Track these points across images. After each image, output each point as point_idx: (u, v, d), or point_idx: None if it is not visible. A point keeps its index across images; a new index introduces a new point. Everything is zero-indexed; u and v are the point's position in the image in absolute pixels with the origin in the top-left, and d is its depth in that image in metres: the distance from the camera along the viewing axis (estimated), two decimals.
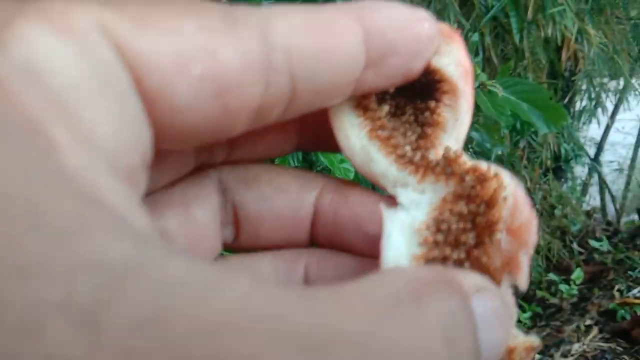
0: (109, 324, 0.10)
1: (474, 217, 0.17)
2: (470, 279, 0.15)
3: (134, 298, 0.10)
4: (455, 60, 0.19)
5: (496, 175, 0.17)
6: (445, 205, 0.17)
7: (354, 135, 0.18)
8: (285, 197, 0.19)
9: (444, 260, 0.17)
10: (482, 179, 0.17)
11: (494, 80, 1.38)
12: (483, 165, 0.18)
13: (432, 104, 0.19)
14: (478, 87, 1.36)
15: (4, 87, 0.11)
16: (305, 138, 0.21)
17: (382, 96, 0.19)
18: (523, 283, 0.17)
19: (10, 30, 0.12)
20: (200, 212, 0.18)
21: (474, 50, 1.37)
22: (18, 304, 0.09)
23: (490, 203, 0.17)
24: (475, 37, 1.40)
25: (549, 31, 1.71)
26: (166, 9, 0.14)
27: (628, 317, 2.06)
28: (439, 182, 0.18)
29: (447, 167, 0.18)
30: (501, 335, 0.15)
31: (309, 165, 1.37)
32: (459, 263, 0.17)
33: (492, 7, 1.59)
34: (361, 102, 0.19)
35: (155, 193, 0.18)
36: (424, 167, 0.18)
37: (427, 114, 0.19)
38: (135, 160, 0.14)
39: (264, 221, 0.19)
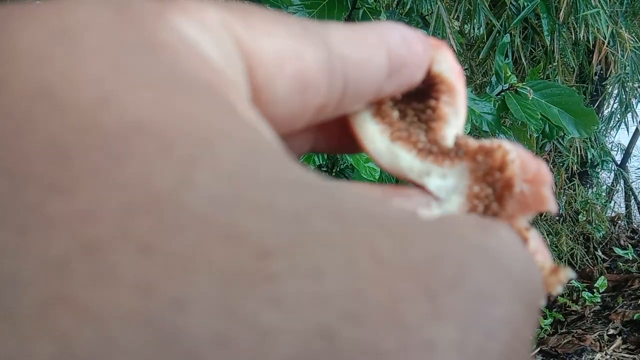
0: (349, 214, 0.12)
1: (494, 186, 0.20)
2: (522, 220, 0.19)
3: (352, 203, 0.12)
4: (449, 66, 0.22)
5: (499, 145, 0.20)
6: (470, 188, 0.21)
7: (378, 140, 0.22)
8: None
9: None
10: (489, 151, 0.21)
11: (524, 83, 1.35)
12: (487, 142, 0.21)
13: (433, 102, 0.22)
14: (508, 88, 1.34)
15: (181, 53, 0.14)
16: (319, 139, 0.23)
17: (390, 104, 0.22)
18: (553, 208, 0.20)
19: (162, 18, 0.14)
20: None
21: (504, 52, 1.34)
22: (283, 204, 0.11)
23: (502, 168, 0.20)
24: (506, 38, 1.37)
25: (581, 34, 1.68)
26: (260, 15, 0.17)
27: None
28: (456, 165, 0.21)
29: (459, 150, 0.21)
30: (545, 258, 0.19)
31: (332, 163, 1.36)
32: None
33: (524, 7, 1.56)
34: (378, 111, 0.22)
35: None
36: (442, 154, 0.21)
37: (429, 111, 0.22)
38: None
39: None
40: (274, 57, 0.16)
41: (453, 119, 0.22)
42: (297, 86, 0.17)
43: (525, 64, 1.87)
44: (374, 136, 0.22)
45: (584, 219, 2.67)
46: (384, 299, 0.11)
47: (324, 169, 1.34)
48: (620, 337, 2.05)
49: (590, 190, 2.78)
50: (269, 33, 0.16)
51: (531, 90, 1.31)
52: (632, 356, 1.94)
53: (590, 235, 2.69)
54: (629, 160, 2.93)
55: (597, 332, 2.10)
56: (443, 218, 0.14)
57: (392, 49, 0.19)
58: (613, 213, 3.01)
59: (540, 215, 2.44)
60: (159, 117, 0.12)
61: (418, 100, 0.22)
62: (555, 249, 2.47)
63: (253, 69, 0.16)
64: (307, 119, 0.18)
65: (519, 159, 0.20)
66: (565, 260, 2.50)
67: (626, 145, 2.87)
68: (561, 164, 2.40)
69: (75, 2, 0.14)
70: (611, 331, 2.10)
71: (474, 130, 1.28)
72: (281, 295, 0.10)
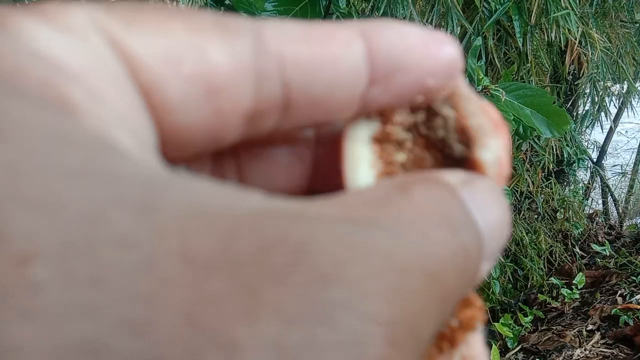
0: (165, 209, 0.10)
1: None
2: (454, 174, 0.15)
3: (178, 197, 0.11)
4: (495, 159, 0.18)
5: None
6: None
7: (362, 172, 0.18)
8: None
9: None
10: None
11: (497, 85, 1.37)
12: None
13: (457, 149, 0.19)
14: (481, 91, 1.35)
15: (9, 61, 0.12)
16: (317, 176, 0.20)
17: (400, 121, 0.18)
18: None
19: (7, 23, 0.12)
20: None
21: (476, 55, 1.36)
22: (76, 200, 0.10)
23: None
24: (479, 41, 1.39)
25: (553, 35, 1.70)
26: (154, 12, 0.14)
27: (631, 323, 2.05)
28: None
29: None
30: (499, 214, 0.16)
31: None
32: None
33: (496, 10, 1.58)
34: (382, 132, 0.18)
35: None
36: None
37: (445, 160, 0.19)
38: (146, 137, 0.14)
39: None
40: (163, 56, 0.14)
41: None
42: (199, 88, 0.14)
43: (499, 65, 1.90)
44: (360, 164, 0.17)
45: (562, 216, 2.70)
46: (182, 302, 0.10)
47: None
48: (599, 332, 2.09)
49: (567, 188, 2.83)
50: (156, 30, 0.14)
51: (504, 92, 1.33)
52: (610, 350, 1.98)
53: (568, 233, 2.73)
54: (604, 158, 2.98)
55: (577, 328, 2.13)
56: (324, 201, 0.13)
57: (376, 49, 0.16)
58: (590, 210, 3.06)
59: (518, 213, 2.47)
60: None
61: (445, 161, 0.18)
62: (535, 247, 2.51)
63: (136, 71, 0.14)
64: (236, 129, 0.15)
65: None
66: (544, 258, 2.54)
67: (601, 143, 2.92)
68: (538, 163, 2.43)
69: None
70: (590, 327, 2.13)
71: None
72: (38, 308, 0.09)
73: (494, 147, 0.18)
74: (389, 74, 0.16)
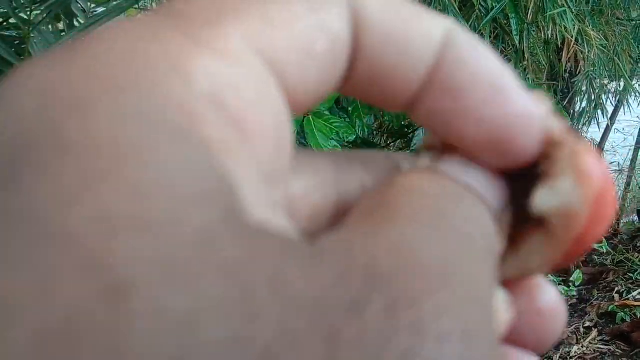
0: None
1: None
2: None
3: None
4: (562, 207, 0.14)
5: None
6: None
7: None
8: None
9: None
10: None
11: None
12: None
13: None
14: None
15: (189, 113, 0.12)
16: None
17: None
18: None
19: (181, 62, 0.12)
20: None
21: None
22: (188, 220, 0.10)
23: None
24: None
25: (549, 33, 1.71)
26: (275, 4, 0.15)
27: (628, 320, 2.06)
28: None
29: None
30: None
31: None
32: None
33: (492, 8, 1.58)
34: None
35: None
36: None
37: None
38: (285, 174, 0.15)
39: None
40: (298, 45, 0.14)
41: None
42: (329, 61, 0.15)
43: None
44: None
45: None
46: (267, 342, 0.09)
47: None
48: (596, 329, 2.09)
49: None
50: (288, 19, 0.14)
51: None
52: (607, 347, 1.98)
53: None
54: (601, 155, 2.98)
55: (574, 325, 2.14)
56: None
57: (449, 54, 0.15)
58: None
59: None
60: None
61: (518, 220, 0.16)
62: None
63: (282, 73, 0.14)
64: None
65: None
66: None
67: (598, 141, 2.93)
68: None
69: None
70: (587, 324, 2.14)
71: None
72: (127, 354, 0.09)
73: (565, 190, 0.14)
74: (453, 80, 0.15)
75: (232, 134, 0.12)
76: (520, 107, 0.15)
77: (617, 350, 1.97)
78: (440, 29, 0.16)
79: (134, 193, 0.10)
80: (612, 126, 2.79)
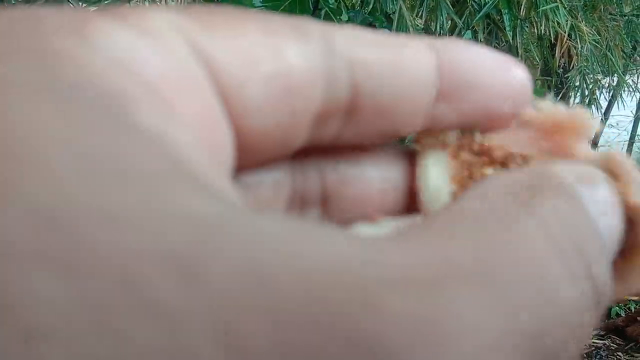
0: (209, 276, 0.09)
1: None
2: (570, 170, 0.14)
3: (231, 252, 0.09)
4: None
5: None
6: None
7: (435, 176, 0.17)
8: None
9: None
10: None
11: None
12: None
13: None
14: None
15: (87, 68, 0.11)
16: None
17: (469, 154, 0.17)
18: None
19: (89, 26, 0.12)
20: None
21: None
22: (112, 253, 0.08)
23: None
24: (468, 34, 1.40)
25: (542, 28, 1.71)
26: (229, 15, 0.14)
27: (622, 314, 2.07)
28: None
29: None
30: (618, 221, 0.15)
31: None
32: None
33: (485, 4, 1.58)
34: (453, 159, 0.18)
35: None
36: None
37: None
38: (223, 149, 0.14)
39: (347, 202, 0.18)
40: (243, 57, 0.14)
41: None
42: (277, 88, 0.14)
43: None
44: (433, 168, 0.17)
45: None
46: None
47: None
48: None
49: None
50: (233, 33, 0.14)
51: None
52: (602, 341, 1.99)
53: None
54: (596, 151, 2.99)
55: None
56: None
57: (447, 63, 0.16)
58: None
59: None
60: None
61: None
62: None
63: (217, 74, 0.14)
64: (305, 131, 0.15)
65: None
66: None
67: (592, 136, 2.93)
68: None
69: None
70: None
71: None
72: None
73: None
74: (459, 91, 0.16)
75: (143, 91, 0.12)
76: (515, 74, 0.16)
77: (611, 344, 1.97)
78: (427, 46, 0.16)
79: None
80: (606, 121, 2.80)
